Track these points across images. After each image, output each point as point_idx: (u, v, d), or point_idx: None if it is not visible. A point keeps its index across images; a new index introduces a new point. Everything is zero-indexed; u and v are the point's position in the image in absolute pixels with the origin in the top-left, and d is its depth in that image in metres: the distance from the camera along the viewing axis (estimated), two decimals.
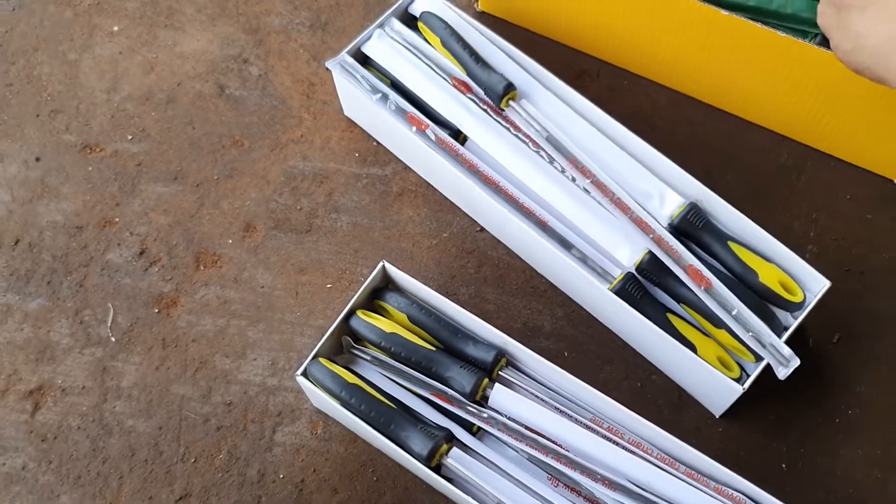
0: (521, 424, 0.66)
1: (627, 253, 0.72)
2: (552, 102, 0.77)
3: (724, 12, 0.73)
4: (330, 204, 0.80)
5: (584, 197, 0.73)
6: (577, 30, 0.85)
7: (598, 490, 0.63)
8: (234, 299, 0.76)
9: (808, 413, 0.72)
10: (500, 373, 0.68)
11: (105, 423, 0.73)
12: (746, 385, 0.66)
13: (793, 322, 0.69)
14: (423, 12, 0.79)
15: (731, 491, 0.63)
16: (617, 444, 0.65)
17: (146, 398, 0.73)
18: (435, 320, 0.69)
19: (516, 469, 0.66)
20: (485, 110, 0.76)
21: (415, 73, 0.77)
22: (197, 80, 0.86)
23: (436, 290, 0.69)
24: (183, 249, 0.79)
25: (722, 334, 0.69)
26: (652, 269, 0.70)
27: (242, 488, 0.70)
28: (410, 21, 0.81)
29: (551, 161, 0.75)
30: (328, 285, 0.77)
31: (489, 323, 0.68)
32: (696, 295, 0.68)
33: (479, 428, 0.67)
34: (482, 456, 0.66)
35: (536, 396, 0.67)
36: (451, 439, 0.66)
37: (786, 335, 0.68)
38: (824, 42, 0.74)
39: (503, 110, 0.76)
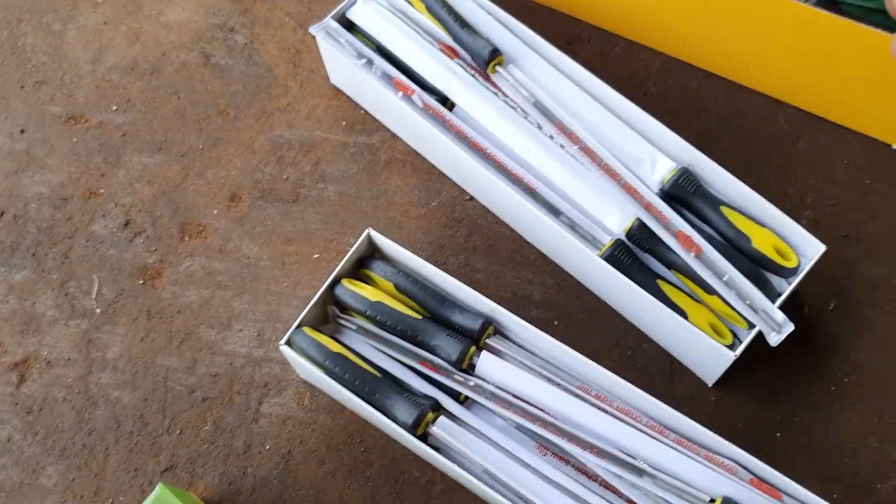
0: (509, 393, 0.65)
1: (617, 219, 0.70)
2: (542, 67, 0.75)
3: None
4: (317, 173, 0.79)
5: (573, 163, 0.72)
6: None
7: (587, 458, 0.62)
8: (219, 270, 0.76)
9: (803, 381, 0.71)
10: (487, 341, 0.67)
11: (90, 395, 0.72)
12: (738, 352, 0.64)
13: (787, 288, 0.67)
14: None
15: (721, 459, 0.62)
16: (605, 411, 0.64)
17: (131, 370, 0.73)
18: (421, 289, 0.68)
19: (504, 438, 0.65)
20: (472, 75, 0.75)
21: (401, 38, 0.76)
22: (182, 49, 0.85)
23: (425, 260, 0.68)
24: (168, 220, 0.78)
25: (714, 301, 0.68)
26: (642, 235, 0.69)
27: (228, 459, 0.69)
28: None
29: (539, 127, 0.73)
30: (315, 255, 0.76)
31: (478, 292, 0.67)
32: (686, 261, 0.67)
33: (467, 397, 0.66)
34: (469, 425, 0.65)
35: (524, 364, 0.66)
36: (438, 408, 0.66)
37: (779, 301, 0.66)
38: (821, 2, 0.73)
39: (490, 76, 0.74)
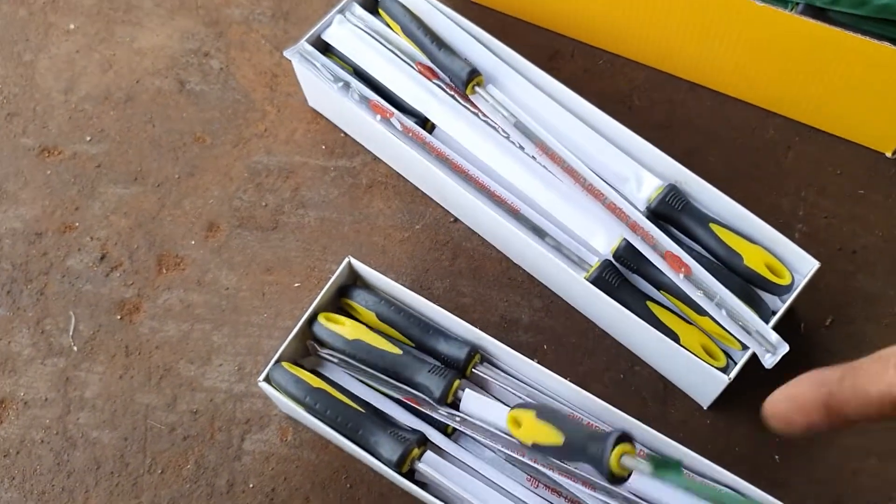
0: (496, 428, 0.63)
1: (604, 240, 0.68)
2: (523, 86, 0.73)
3: None
4: (296, 199, 0.77)
5: (556, 183, 0.70)
6: (549, 10, 0.81)
7: (579, 490, 0.60)
8: (197, 303, 0.74)
9: None
10: (473, 370, 0.65)
11: (69, 436, 0.70)
12: (732, 375, 0.62)
13: (781, 306, 0.66)
14: None
15: (719, 487, 0.60)
16: None
17: (110, 408, 0.71)
18: (405, 317, 0.66)
19: (493, 471, 0.63)
20: (452, 96, 0.73)
21: (378, 60, 0.74)
22: (156, 76, 0.83)
23: (410, 285, 0.66)
24: (144, 252, 0.76)
25: (706, 321, 0.66)
26: (629, 255, 0.67)
27: (212, 499, 0.67)
28: (373, 6, 0.78)
29: (521, 148, 0.71)
30: (296, 284, 0.74)
31: (465, 317, 0.65)
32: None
33: (455, 428, 0.64)
34: (457, 458, 0.63)
35: (512, 394, 0.64)
36: (424, 442, 0.63)
37: (773, 320, 0.64)
38: (807, 10, 0.71)
39: (470, 97, 0.72)
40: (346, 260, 0.67)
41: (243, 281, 0.74)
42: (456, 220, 0.76)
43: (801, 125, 0.79)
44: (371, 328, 0.67)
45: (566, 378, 0.62)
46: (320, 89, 0.75)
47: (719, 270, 0.66)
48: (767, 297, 0.68)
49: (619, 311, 0.64)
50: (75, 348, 0.73)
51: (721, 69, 0.78)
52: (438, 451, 0.63)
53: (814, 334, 0.71)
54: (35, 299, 0.75)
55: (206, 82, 0.83)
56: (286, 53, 0.74)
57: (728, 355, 0.67)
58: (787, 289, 0.66)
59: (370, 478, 0.67)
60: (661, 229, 0.66)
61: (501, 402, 0.64)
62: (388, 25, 0.76)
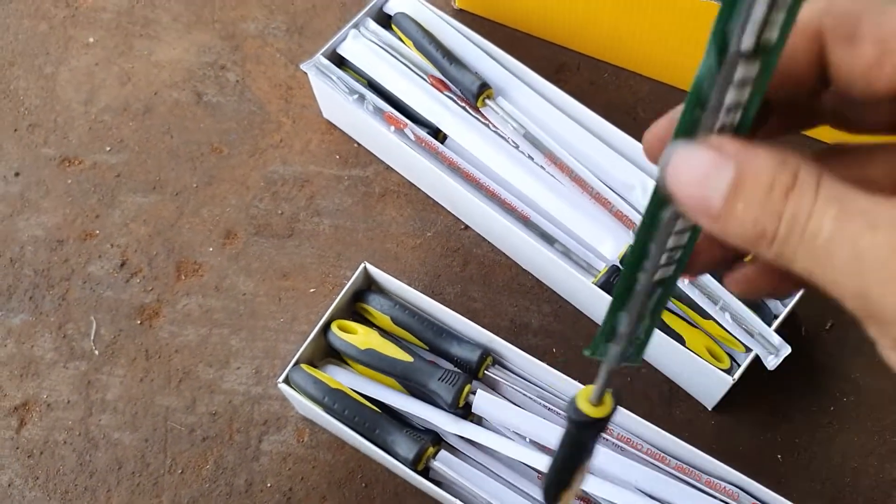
0: (508, 429, 0.65)
1: (611, 246, 0.71)
2: (531, 98, 0.76)
3: None
4: (311, 207, 0.80)
5: (565, 192, 0.72)
6: (555, 24, 0.84)
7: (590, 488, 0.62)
8: (215, 308, 0.76)
9: (802, 402, 0.71)
10: (486, 372, 0.67)
11: (91, 437, 0.72)
12: (736, 376, 0.64)
13: (783, 310, 0.68)
14: (395, 14, 0.78)
15: (724, 485, 0.62)
16: (606, 440, 0.64)
17: (131, 410, 0.73)
18: (419, 321, 0.68)
19: (507, 470, 0.65)
20: (463, 108, 0.75)
21: (391, 73, 0.76)
22: (174, 88, 0.85)
23: (421, 290, 0.68)
24: (163, 259, 0.78)
25: (710, 325, 0.68)
26: None
27: (230, 498, 0.69)
28: (386, 21, 0.80)
29: (531, 158, 0.74)
30: (311, 290, 0.76)
31: (476, 321, 0.67)
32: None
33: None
34: (471, 458, 0.65)
35: (522, 395, 0.66)
36: (439, 441, 0.66)
37: (775, 324, 0.67)
38: None
39: (480, 109, 0.75)
40: (363, 265, 0.69)
41: (260, 287, 0.76)
42: (467, 227, 0.79)
43: (805, 136, 0.81)
44: (385, 332, 0.69)
45: (575, 381, 0.64)
46: (335, 101, 0.77)
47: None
48: (770, 302, 0.70)
49: None
50: (97, 352, 0.75)
51: None
52: (452, 450, 0.65)
53: (815, 337, 0.73)
54: (57, 304, 0.77)
55: (222, 94, 0.85)
56: (303, 66, 0.76)
57: (732, 357, 0.69)
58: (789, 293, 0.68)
59: (385, 477, 0.69)
60: None
61: (513, 403, 0.66)
62: (401, 40, 0.78)
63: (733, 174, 0.22)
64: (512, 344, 0.66)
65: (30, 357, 0.75)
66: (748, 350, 0.66)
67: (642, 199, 0.71)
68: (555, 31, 0.85)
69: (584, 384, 0.64)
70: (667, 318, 0.69)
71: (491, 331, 0.67)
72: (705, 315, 0.67)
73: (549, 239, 0.72)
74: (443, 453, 0.64)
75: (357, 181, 0.81)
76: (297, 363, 0.66)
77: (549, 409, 0.65)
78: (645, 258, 0.26)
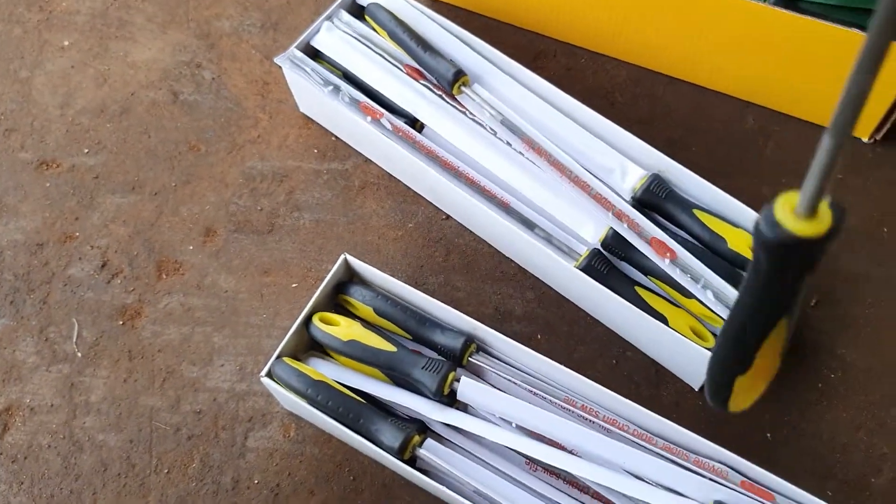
0: (493, 415, 0.64)
1: (591, 229, 0.70)
2: (508, 84, 0.75)
3: None
4: (291, 202, 0.79)
5: (543, 177, 0.72)
6: (530, 11, 0.84)
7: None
8: (197, 306, 0.75)
9: (790, 379, 0.71)
10: (470, 359, 0.66)
11: (76, 440, 0.71)
12: None
13: None
14: (368, 4, 0.78)
15: (711, 463, 0.61)
16: (592, 423, 0.63)
17: (115, 412, 0.72)
18: (401, 311, 0.68)
19: (493, 456, 0.64)
20: (440, 96, 0.75)
21: (366, 64, 0.76)
22: (150, 88, 0.85)
23: (405, 281, 0.68)
24: (144, 259, 0.77)
25: (693, 304, 0.68)
26: (617, 243, 0.69)
27: (217, 496, 0.69)
28: (360, 12, 0.80)
29: (509, 144, 0.73)
30: (293, 285, 0.76)
31: (460, 311, 0.66)
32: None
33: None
34: (457, 445, 0.65)
35: (507, 381, 0.65)
36: (425, 430, 0.65)
37: None
38: (779, 1, 0.73)
39: (457, 96, 0.74)
40: (343, 256, 0.68)
41: (242, 283, 0.76)
42: (448, 217, 0.78)
43: (779, 114, 0.81)
44: (367, 323, 0.69)
45: (561, 365, 0.64)
46: (311, 94, 0.77)
47: (704, 254, 0.68)
48: None
49: (608, 297, 0.66)
50: (79, 354, 0.74)
51: (699, 63, 0.80)
52: (438, 438, 0.65)
53: (800, 315, 0.73)
54: (38, 308, 0.76)
55: (199, 92, 0.85)
56: (277, 60, 0.76)
57: (716, 336, 0.69)
58: None
59: (373, 469, 0.69)
60: (646, 217, 0.68)
61: (498, 389, 0.65)
62: (375, 30, 0.78)
63: None
64: (496, 332, 0.65)
65: (11, 362, 0.74)
66: None
67: (621, 182, 0.71)
68: (530, 18, 0.85)
69: (569, 368, 0.64)
70: (648, 298, 0.69)
71: (475, 319, 0.66)
72: (687, 294, 0.67)
73: (529, 224, 0.72)
74: (429, 441, 0.64)
75: (336, 175, 0.80)
76: (279, 357, 0.66)
77: (534, 393, 0.65)
78: None
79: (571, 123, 0.73)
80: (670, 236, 0.68)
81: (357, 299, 0.69)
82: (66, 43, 0.88)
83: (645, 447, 0.62)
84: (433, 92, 0.75)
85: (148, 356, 0.74)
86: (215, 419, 0.71)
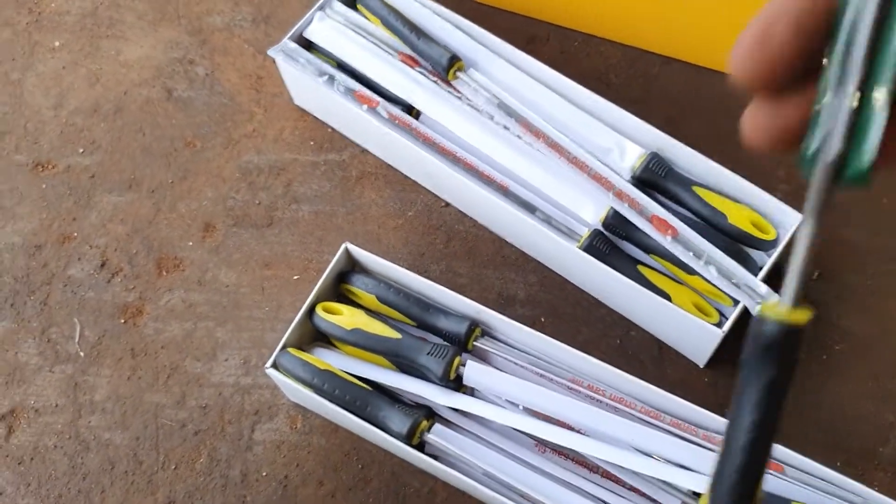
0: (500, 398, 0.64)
1: (592, 210, 0.70)
2: (502, 68, 0.75)
3: None
4: (289, 195, 0.79)
5: (542, 159, 0.72)
6: None
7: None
8: (199, 302, 0.75)
9: None
10: (475, 343, 0.66)
11: (82, 439, 0.71)
12: (726, 328, 0.64)
13: (768, 261, 0.67)
14: None
15: (719, 437, 0.61)
16: (599, 402, 0.63)
17: (120, 410, 0.72)
18: (404, 298, 0.68)
19: (502, 439, 0.64)
20: (435, 82, 0.75)
21: (360, 53, 0.76)
22: (143, 86, 0.85)
23: (406, 269, 0.68)
24: (143, 257, 0.77)
25: (696, 280, 0.68)
26: (617, 223, 0.69)
27: (226, 490, 0.69)
28: (352, 1, 0.80)
29: (506, 128, 0.73)
30: (295, 277, 0.76)
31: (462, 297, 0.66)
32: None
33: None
34: (465, 429, 0.65)
35: (514, 364, 0.65)
36: (432, 415, 0.65)
37: (760, 275, 0.66)
38: None
39: (452, 82, 0.74)
40: (344, 246, 0.68)
41: (243, 277, 0.76)
42: (447, 204, 0.78)
43: None
44: (371, 312, 0.69)
45: (566, 345, 0.64)
46: (305, 85, 0.77)
47: (706, 230, 0.68)
48: (754, 254, 0.70)
49: (611, 276, 0.66)
50: (82, 354, 0.74)
51: (692, 41, 0.80)
52: (446, 423, 0.65)
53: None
54: (39, 310, 0.76)
55: (192, 89, 0.84)
56: (270, 52, 0.76)
57: (720, 312, 0.69)
58: (773, 244, 0.68)
59: (381, 458, 0.69)
60: (646, 195, 0.68)
61: (504, 372, 0.65)
62: (368, 19, 0.78)
63: None
64: (501, 315, 0.65)
65: (14, 364, 0.74)
66: (736, 303, 0.66)
67: (620, 162, 0.71)
68: (522, 2, 0.84)
69: (575, 349, 0.63)
70: (651, 276, 0.69)
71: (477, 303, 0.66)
72: (690, 271, 0.67)
73: (529, 208, 0.72)
74: (437, 426, 0.64)
75: (333, 166, 0.80)
76: (283, 348, 0.65)
77: (540, 375, 0.65)
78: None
79: (568, 105, 0.73)
80: (671, 214, 0.68)
81: (360, 288, 0.68)
82: (57, 44, 0.87)
83: (653, 424, 0.62)
84: (428, 78, 0.75)
85: (151, 353, 0.73)
86: (221, 413, 0.71)
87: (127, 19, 0.89)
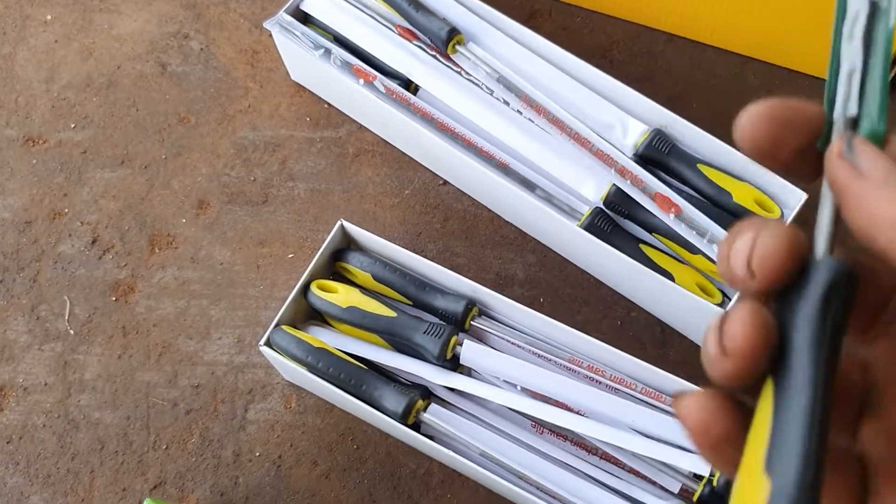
0: (498, 378, 0.63)
1: (593, 187, 0.69)
2: (503, 42, 0.74)
3: None
4: (285, 172, 0.77)
5: (542, 135, 0.70)
6: None
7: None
8: (192, 279, 0.73)
9: None
10: (472, 323, 0.65)
11: (71, 418, 0.70)
12: (729, 308, 0.63)
13: None
14: None
15: None
16: (599, 382, 0.62)
17: (111, 389, 0.70)
18: (400, 276, 0.66)
19: (498, 419, 0.63)
20: (434, 56, 0.73)
21: (357, 26, 0.74)
22: (137, 60, 0.83)
23: (403, 248, 0.66)
24: (136, 234, 0.76)
25: (699, 260, 0.66)
26: (619, 201, 0.67)
27: (218, 470, 0.67)
28: None
29: (506, 103, 0.72)
30: (290, 255, 0.74)
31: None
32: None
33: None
34: (462, 409, 0.64)
35: (511, 344, 0.64)
36: (428, 395, 0.64)
37: None
38: None
39: (451, 56, 0.73)
40: (339, 223, 0.67)
41: (237, 255, 0.74)
42: (445, 182, 0.77)
43: (781, 69, 0.79)
44: (366, 290, 0.67)
45: (565, 325, 0.62)
46: (302, 59, 0.75)
47: (709, 209, 0.67)
48: None
49: (613, 255, 0.65)
50: (72, 332, 0.72)
51: (698, 18, 0.79)
52: (443, 402, 0.63)
53: None
54: (28, 287, 0.74)
55: (186, 63, 0.83)
56: (266, 24, 0.74)
57: (723, 292, 0.67)
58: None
59: (377, 438, 0.67)
60: (649, 172, 0.67)
61: (502, 352, 0.64)
62: None
63: None
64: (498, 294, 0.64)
65: (3, 342, 0.72)
66: None
67: (623, 139, 0.70)
68: None
69: (573, 328, 0.62)
70: (654, 255, 0.67)
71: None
72: (693, 250, 0.65)
73: (529, 185, 0.70)
74: (433, 406, 0.62)
75: (330, 142, 0.78)
76: (277, 325, 0.64)
77: (538, 355, 0.63)
78: None
79: (570, 80, 0.72)
80: (674, 192, 0.66)
81: (355, 266, 0.67)
82: (49, 17, 0.86)
83: (654, 405, 0.61)
84: (427, 52, 0.73)
85: (143, 331, 0.72)
86: (214, 393, 0.70)
87: None
